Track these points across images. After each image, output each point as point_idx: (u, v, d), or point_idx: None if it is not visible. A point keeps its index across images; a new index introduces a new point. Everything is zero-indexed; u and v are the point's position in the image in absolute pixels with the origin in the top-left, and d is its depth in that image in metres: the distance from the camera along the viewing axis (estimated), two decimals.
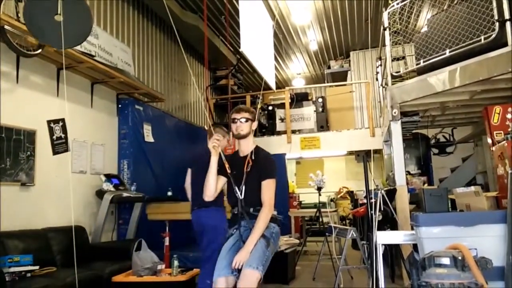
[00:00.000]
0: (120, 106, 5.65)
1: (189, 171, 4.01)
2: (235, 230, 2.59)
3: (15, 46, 3.62)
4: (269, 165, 2.65)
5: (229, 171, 2.60)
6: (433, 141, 7.72)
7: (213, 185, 2.61)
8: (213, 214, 3.61)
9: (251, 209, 2.55)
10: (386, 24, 5.16)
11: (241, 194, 2.56)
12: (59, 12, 2.77)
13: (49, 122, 4.35)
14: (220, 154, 2.60)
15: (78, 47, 4.69)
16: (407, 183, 4.86)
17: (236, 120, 2.65)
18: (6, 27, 3.51)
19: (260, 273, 2.34)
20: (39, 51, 3.88)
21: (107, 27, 5.63)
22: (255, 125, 2.73)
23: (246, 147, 2.70)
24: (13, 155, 3.89)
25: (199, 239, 3.72)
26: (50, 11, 2.77)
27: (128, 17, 6.20)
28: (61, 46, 2.74)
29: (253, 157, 2.63)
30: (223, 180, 2.70)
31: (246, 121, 2.65)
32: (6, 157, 3.82)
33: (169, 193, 5.49)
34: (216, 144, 2.56)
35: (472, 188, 3.64)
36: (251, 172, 2.58)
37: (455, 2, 4.71)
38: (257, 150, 2.69)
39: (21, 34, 3.65)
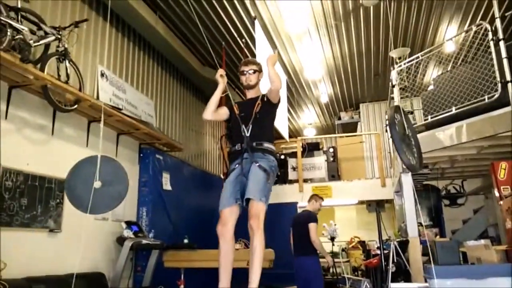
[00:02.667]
0: (141, 155, 5.94)
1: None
2: (237, 165, 2.81)
3: (55, 102, 3.98)
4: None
5: (237, 112, 2.90)
6: (443, 193, 7.81)
7: (214, 105, 2.92)
8: (314, 261, 4.92)
9: (254, 143, 2.80)
10: (394, 82, 5.49)
11: (247, 132, 2.81)
12: (96, 179, 3.10)
13: None
14: (231, 100, 2.97)
15: (108, 101, 5.08)
16: (419, 235, 4.95)
17: (245, 72, 2.97)
18: (48, 85, 3.87)
19: (264, 203, 2.65)
20: (75, 106, 4.23)
21: (134, 83, 6.05)
22: (261, 75, 3.04)
23: (253, 94, 3.01)
24: (44, 203, 4.13)
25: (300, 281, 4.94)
26: (89, 179, 3.09)
27: (152, 72, 6.66)
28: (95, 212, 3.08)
29: (265, 99, 2.90)
30: (224, 110, 3.01)
31: (254, 72, 2.97)
32: (38, 204, 4.06)
33: (186, 241, 5.62)
34: (222, 74, 2.94)
35: (482, 241, 3.75)
36: (260, 113, 2.86)
37: (459, 63, 5.03)
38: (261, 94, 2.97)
39: (61, 92, 4.02)
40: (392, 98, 5.73)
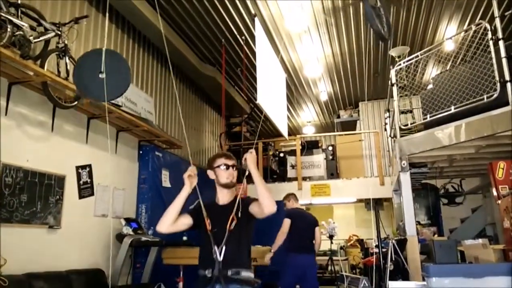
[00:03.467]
0: (141, 152, 5.95)
1: (286, 220, 5.09)
2: None
3: (55, 98, 3.98)
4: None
5: (209, 227, 2.32)
6: (442, 192, 7.84)
7: (173, 216, 2.36)
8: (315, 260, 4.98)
9: (229, 272, 2.28)
10: (393, 81, 5.49)
11: (220, 255, 2.27)
12: (102, 70, 3.15)
13: (77, 167, 4.69)
14: (200, 203, 2.38)
15: None
16: (418, 234, 4.97)
17: (228, 167, 2.47)
18: (48, 82, 3.87)
19: None
20: (75, 103, 4.23)
21: (133, 79, 6.05)
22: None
23: (227, 196, 2.49)
24: (43, 199, 4.13)
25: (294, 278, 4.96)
26: (95, 70, 3.15)
27: (152, 69, 6.66)
28: (104, 99, 3.07)
29: (238, 214, 2.33)
30: (187, 220, 2.43)
31: (236, 168, 2.50)
32: (38, 200, 4.07)
33: (184, 238, 5.64)
34: (192, 174, 2.38)
35: (480, 240, 3.77)
36: (235, 229, 2.31)
37: (458, 62, 5.04)
38: (239, 201, 2.38)
39: (61, 88, 4.02)
40: (392, 96, 5.74)
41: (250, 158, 2.37)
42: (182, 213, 2.44)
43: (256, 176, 2.33)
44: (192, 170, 2.40)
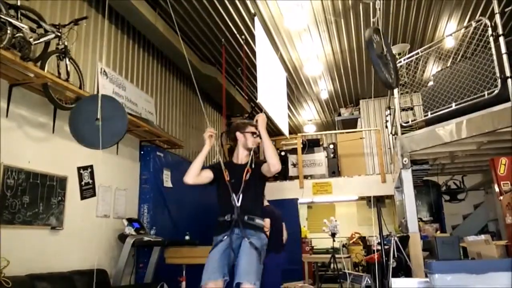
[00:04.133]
0: (142, 152, 5.96)
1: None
2: (225, 237, 2.64)
3: (56, 100, 3.99)
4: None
5: (227, 178, 2.73)
6: (444, 188, 7.83)
7: (198, 169, 2.78)
8: None
9: (246, 217, 2.64)
10: None
11: (238, 201, 2.65)
12: (98, 117, 3.17)
13: (79, 168, 4.69)
14: (220, 161, 2.81)
15: None
16: (420, 230, 4.97)
17: (254, 135, 2.87)
18: (49, 83, 3.88)
19: (257, 285, 2.49)
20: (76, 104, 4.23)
21: (134, 80, 6.06)
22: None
23: (245, 157, 2.89)
24: (46, 200, 4.14)
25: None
26: (91, 117, 3.17)
27: (152, 69, 6.66)
28: (99, 147, 3.11)
29: (252, 166, 2.76)
30: (208, 173, 2.84)
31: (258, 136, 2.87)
32: (40, 202, 4.07)
33: (187, 237, 5.64)
34: (212, 133, 2.81)
35: (483, 236, 3.77)
36: (250, 180, 2.72)
37: (459, 59, 5.04)
38: (254, 159, 2.84)
39: (61, 89, 4.03)
40: (392, 94, 5.73)
41: (261, 121, 2.76)
42: (203, 169, 2.85)
43: (265, 137, 2.71)
44: (211, 130, 2.82)
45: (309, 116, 11.51)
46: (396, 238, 4.41)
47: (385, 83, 4.12)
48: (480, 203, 7.51)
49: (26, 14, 3.72)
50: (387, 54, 4.30)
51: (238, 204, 2.64)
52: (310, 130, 11.85)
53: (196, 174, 2.79)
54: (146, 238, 5.10)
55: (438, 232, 6.54)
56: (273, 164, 2.66)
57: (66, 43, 4.08)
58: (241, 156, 2.91)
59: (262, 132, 2.74)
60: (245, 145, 2.89)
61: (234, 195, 2.66)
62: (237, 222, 2.62)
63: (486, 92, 4.24)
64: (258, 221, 2.70)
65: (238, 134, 2.93)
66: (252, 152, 2.86)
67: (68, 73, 4.10)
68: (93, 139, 3.19)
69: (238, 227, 2.61)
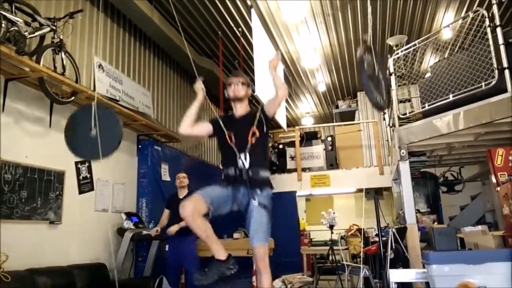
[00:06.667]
0: (140, 146, 5.95)
1: (166, 211, 4.97)
2: (230, 188, 2.64)
3: (52, 94, 3.97)
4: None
5: (230, 141, 2.68)
6: (441, 180, 7.86)
7: (191, 118, 2.77)
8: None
9: (250, 172, 2.61)
10: (391, 70, 5.48)
11: (244, 160, 2.61)
12: (92, 126, 3.17)
13: (76, 163, 4.68)
14: (217, 118, 2.79)
15: (104, 93, 5.06)
16: (417, 222, 4.99)
17: (232, 83, 2.83)
18: (45, 77, 3.86)
19: (267, 242, 2.61)
20: (72, 98, 4.22)
21: (130, 73, 6.03)
22: (249, 92, 2.91)
23: (240, 109, 2.85)
24: (43, 195, 4.14)
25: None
26: (86, 128, 3.16)
27: (148, 62, 6.63)
28: (98, 157, 3.11)
29: (258, 117, 2.71)
30: (208, 126, 2.84)
31: (243, 84, 2.84)
32: (38, 196, 4.07)
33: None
34: (202, 87, 2.82)
35: (479, 227, 3.79)
36: (257, 140, 2.67)
37: (456, 50, 5.03)
38: (253, 112, 2.78)
39: (57, 83, 4.00)
40: (390, 86, 5.73)
41: (272, 61, 2.77)
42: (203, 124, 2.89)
43: (275, 75, 2.71)
44: (200, 83, 2.85)
45: (306, 109, 11.50)
46: (393, 229, 4.42)
47: (375, 104, 4.06)
48: (477, 194, 7.55)
49: (21, 8, 3.68)
50: (379, 73, 4.22)
51: (246, 165, 2.61)
52: (308, 123, 11.84)
53: (190, 124, 2.78)
54: (144, 232, 5.11)
55: (436, 223, 6.58)
56: (278, 88, 2.66)
57: (61, 37, 4.05)
58: (236, 109, 2.88)
59: (271, 72, 2.72)
60: (230, 96, 2.86)
61: (241, 155, 2.62)
62: (243, 180, 2.60)
63: (483, 83, 4.24)
64: (264, 175, 2.68)
65: (225, 91, 2.93)
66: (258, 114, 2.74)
67: (64, 67, 4.07)
68: (90, 150, 3.16)
69: (245, 186, 2.60)
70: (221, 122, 2.76)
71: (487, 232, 3.73)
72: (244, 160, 2.61)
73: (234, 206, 2.70)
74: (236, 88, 2.82)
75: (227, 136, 2.69)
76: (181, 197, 5.04)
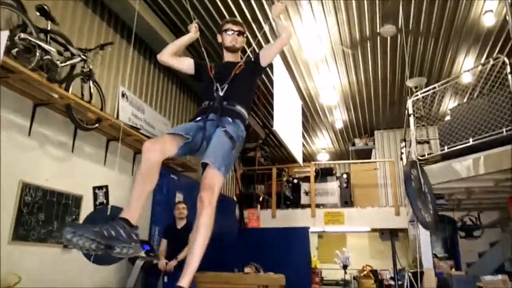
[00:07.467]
0: None
1: (163, 241, 5.09)
2: (200, 121, 2.33)
3: (77, 120, 4.09)
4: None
5: (212, 72, 2.49)
6: (459, 224, 7.67)
7: (173, 47, 2.60)
8: None
9: (225, 103, 2.36)
10: (410, 111, 5.50)
11: (221, 91, 2.38)
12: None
13: (94, 188, 4.73)
14: (205, 64, 2.57)
15: (127, 121, 5.20)
16: (434, 267, 4.85)
17: (232, 32, 2.59)
18: (72, 104, 3.99)
19: (223, 175, 2.17)
20: (96, 125, 4.34)
21: (152, 103, 6.19)
22: (244, 42, 2.67)
23: (231, 58, 2.63)
24: (60, 218, 4.19)
25: None
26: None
27: (169, 92, 6.80)
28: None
29: (251, 60, 2.57)
30: (190, 62, 2.64)
31: (241, 34, 2.62)
32: (54, 220, 4.12)
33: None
34: (196, 26, 2.67)
35: (500, 276, 3.66)
36: (240, 74, 2.47)
37: (476, 95, 5.03)
38: (246, 60, 2.60)
39: (83, 110, 4.14)
40: (408, 126, 5.73)
41: (277, 9, 2.59)
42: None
43: (278, 20, 2.58)
44: (195, 25, 2.68)
45: (323, 145, 11.51)
46: (409, 273, 4.31)
47: (423, 223, 3.99)
48: (496, 241, 7.32)
49: (55, 38, 3.88)
50: (426, 190, 4.15)
51: (221, 93, 2.37)
52: (323, 159, 11.82)
53: (170, 53, 2.59)
54: (155, 261, 5.07)
55: (453, 269, 6.37)
56: (283, 30, 2.54)
57: (91, 67, 4.21)
58: (227, 58, 2.66)
59: (276, 20, 2.59)
60: (223, 45, 2.65)
61: (218, 85, 2.40)
62: (216, 108, 2.33)
63: (504, 129, 4.22)
64: (238, 107, 2.39)
65: (218, 35, 2.70)
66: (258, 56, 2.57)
67: (91, 95, 4.22)
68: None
69: (215, 113, 2.33)
70: (207, 61, 2.59)
71: (508, 282, 3.60)
72: (220, 90, 2.39)
73: (203, 137, 2.29)
74: (235, 38, 2.60)
75: (209, 67, 2.53)
76: (179, 227, 5.08)
